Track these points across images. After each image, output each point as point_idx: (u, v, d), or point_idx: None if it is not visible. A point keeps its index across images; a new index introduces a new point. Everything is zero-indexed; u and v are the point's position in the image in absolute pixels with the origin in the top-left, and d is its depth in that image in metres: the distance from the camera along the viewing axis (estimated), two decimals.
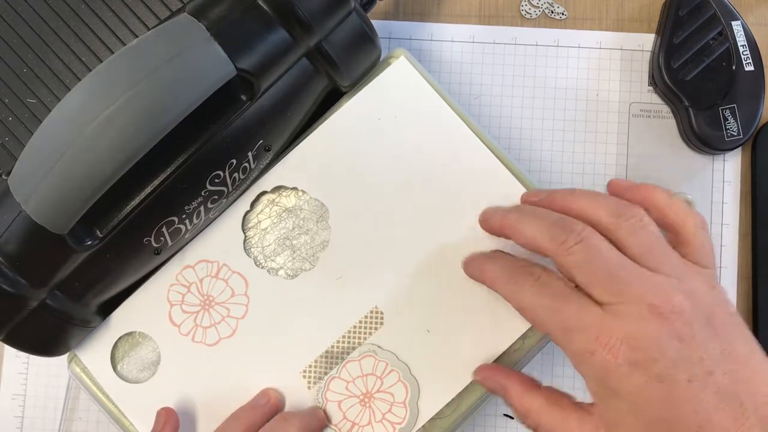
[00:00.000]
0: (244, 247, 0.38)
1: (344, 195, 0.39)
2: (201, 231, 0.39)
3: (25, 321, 0.35)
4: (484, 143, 0.39)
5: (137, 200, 0.34)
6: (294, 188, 0.39)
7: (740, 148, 0.46)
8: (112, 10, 0.40)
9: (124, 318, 0.38)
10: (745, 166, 0.47)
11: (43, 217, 0.31)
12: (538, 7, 0.48)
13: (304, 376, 0.38)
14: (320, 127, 0.39)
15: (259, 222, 0.39)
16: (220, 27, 0.33)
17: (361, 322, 0.38)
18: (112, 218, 0.34)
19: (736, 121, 0.45)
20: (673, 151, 0.47)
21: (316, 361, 0.38)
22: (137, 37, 0.37)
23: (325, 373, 0.37)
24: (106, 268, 0.36)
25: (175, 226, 0.36)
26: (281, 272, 0.38)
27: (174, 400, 0.38)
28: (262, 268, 0.38)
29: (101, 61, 0.38)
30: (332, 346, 0.38)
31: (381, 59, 0.40)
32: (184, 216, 0.36)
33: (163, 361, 0.38)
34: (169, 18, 0.35)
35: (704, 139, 0.45)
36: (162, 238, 0.36)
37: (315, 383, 0.37)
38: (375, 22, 0.39)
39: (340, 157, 0.39)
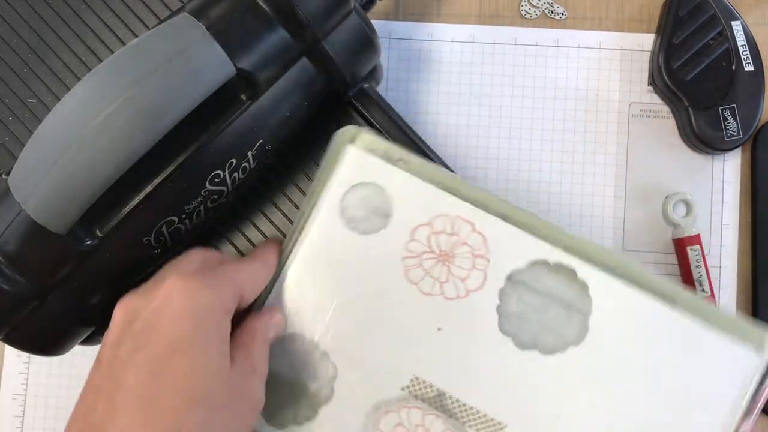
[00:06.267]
0: None
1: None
2: (201, 230, 0.39)
3: (25, 321, 0.35)
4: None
5: (137, 200, 0.34)
6: None
7: (740, 148, 0.46)
8: (112, 10, 0.40)
9: None
10: (745, 166, 0.47)
11: (42, 216, 0.31)
12: (538, 7, 0.48)
13: None
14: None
15: None
16: (220, 27, 0.33)
17: None
18: (112, 218, 0.34)
19: (736, 121, 0.45)
20: (673, 151, 0.47)
21: None
22: (137, 36, 0.37)
23: None
24: (106, 268, 0.36)
25: (175, 225, 0.36)
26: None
27: None
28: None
29: (101, 61, 0.38)
30: None
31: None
32: (184, 216, 0.36)
33: None
34: (169, 18, 0.35)
35: (704, 139, 0.45)
36: (162, 238, 0.36)
37: None
38: (375, 22, 0.39)
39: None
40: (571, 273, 0.35)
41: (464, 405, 0.35)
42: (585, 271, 0.34)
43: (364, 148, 0.36)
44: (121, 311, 0.32)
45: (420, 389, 0.35)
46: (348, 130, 0.37)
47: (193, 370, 0.29)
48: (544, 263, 0.35)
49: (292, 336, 0.37)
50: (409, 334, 0.35)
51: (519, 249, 0.35)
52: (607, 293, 0.34)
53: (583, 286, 0.34)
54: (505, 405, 0.35)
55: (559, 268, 0.35)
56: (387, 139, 0.37)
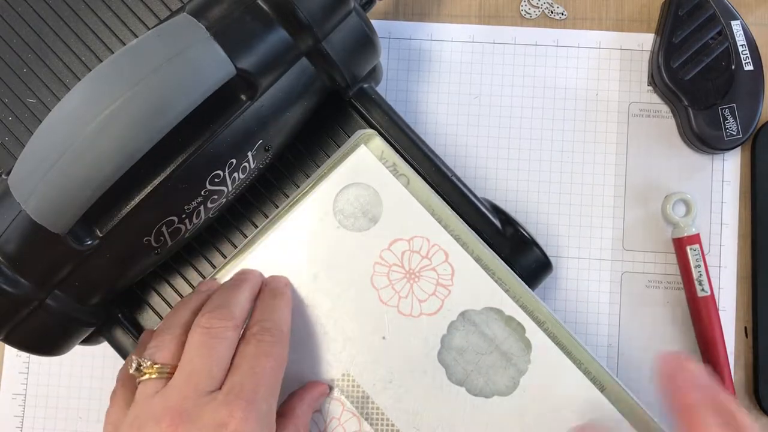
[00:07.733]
0: None
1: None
2: (200, 230, 0.39)
3: (25, 321, 0.35)
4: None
5: (137, 200, 0.34)
6: None
7: (740, 147, 0.46)
8: (112, 10, 0.40)
9: None
10: (745, 166, 0.47)
11: (43, 216, 0.31)
12: (538, 7, 0.48)
13: None
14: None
15: None
16: (219, 27, 0.33)
17: None
18: (112, 218, 0.34)
19: (736, 120, 0.45)
20: (673, 150, 0.47)
21: None
22: (137, 37, 0.37)
23: None
24: (106, 268, 0.36)
25: (175, 225, 0.36)
26: None
27: None
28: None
29: (101, 61, 0.38)
30: None
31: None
32: (184, 216, 0.36)
33: None
34: (168, 18, 0.35)
35: (704, 138, 0.45)
36: (162, 238, 0.36)
37: None
38: (375, 22, 0.39)
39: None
40: (521, 329, 0.36)
41: (383, 415, 0.36)
42: (533, 333, 0.36)
43: (376, 153, 0.37)
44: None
45: (348, 387, 0.37)
46: (367, 132, 0.38)
47: None
48: (498, 312, 0.36)
49: None
50: (355, 334, 0.37)
51: (480, 291, 0.37)
52: (546, 359, 0.36)
53: (528, 346, 0.36)
54: (420, 428, 0.36)
55: (510, 321, 0.36)
56: (397, 151, 0.38)
